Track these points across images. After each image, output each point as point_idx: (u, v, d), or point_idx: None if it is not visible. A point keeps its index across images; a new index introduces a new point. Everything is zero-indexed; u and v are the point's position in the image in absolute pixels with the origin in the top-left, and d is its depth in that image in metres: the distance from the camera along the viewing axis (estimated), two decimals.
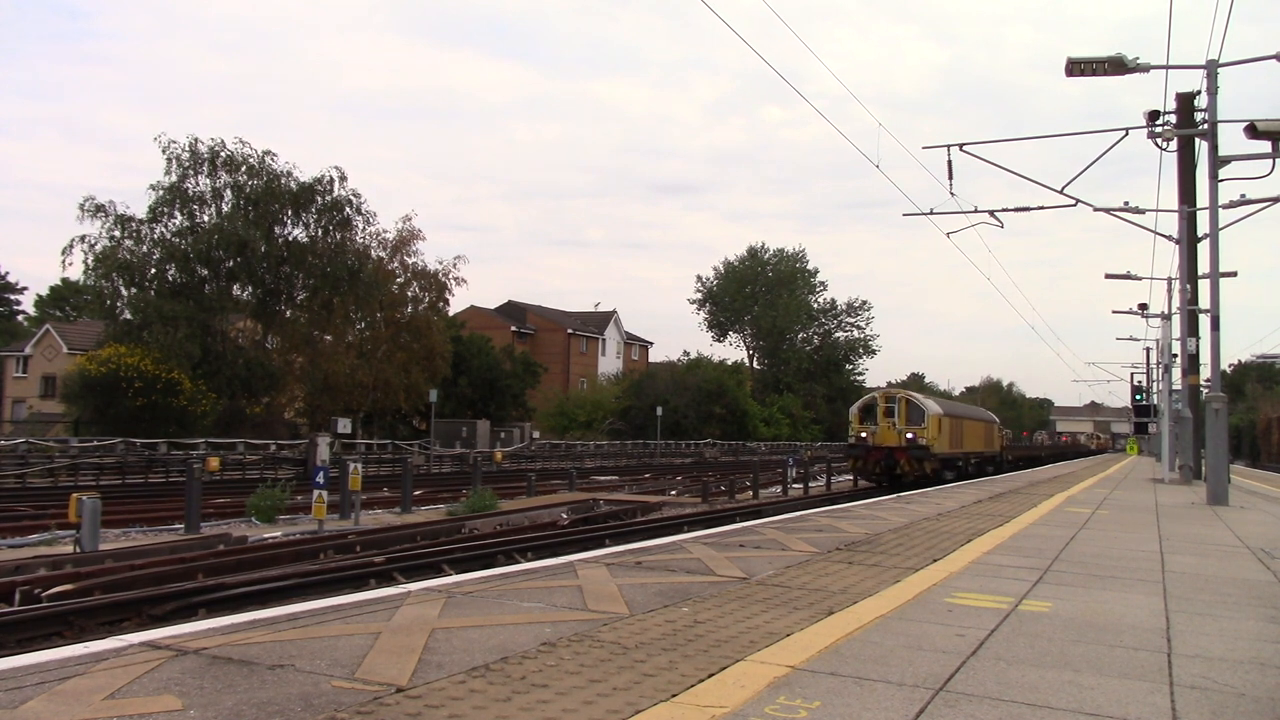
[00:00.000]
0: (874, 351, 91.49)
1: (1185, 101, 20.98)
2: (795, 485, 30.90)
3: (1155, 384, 47.84)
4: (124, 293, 37.40)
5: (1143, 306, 40.61)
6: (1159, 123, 20.24)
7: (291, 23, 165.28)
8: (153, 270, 37.82)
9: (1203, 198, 20.16)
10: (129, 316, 36.87)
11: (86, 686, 3.74)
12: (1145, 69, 17.64)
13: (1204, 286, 21.69)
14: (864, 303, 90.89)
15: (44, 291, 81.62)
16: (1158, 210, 26.09)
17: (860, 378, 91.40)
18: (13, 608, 9.85)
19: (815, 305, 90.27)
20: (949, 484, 24.85)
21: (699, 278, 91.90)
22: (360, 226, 42.75)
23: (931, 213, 23.40)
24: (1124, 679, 4.42)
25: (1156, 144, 20.37)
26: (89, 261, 36.58)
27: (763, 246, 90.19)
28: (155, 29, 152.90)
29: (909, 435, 29.91)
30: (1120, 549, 9.71)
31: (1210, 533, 12.05)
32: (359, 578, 11.92)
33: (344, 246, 41.31)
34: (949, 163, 21.23)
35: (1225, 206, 18.89)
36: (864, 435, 30.77)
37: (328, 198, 40.77)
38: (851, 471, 32.72)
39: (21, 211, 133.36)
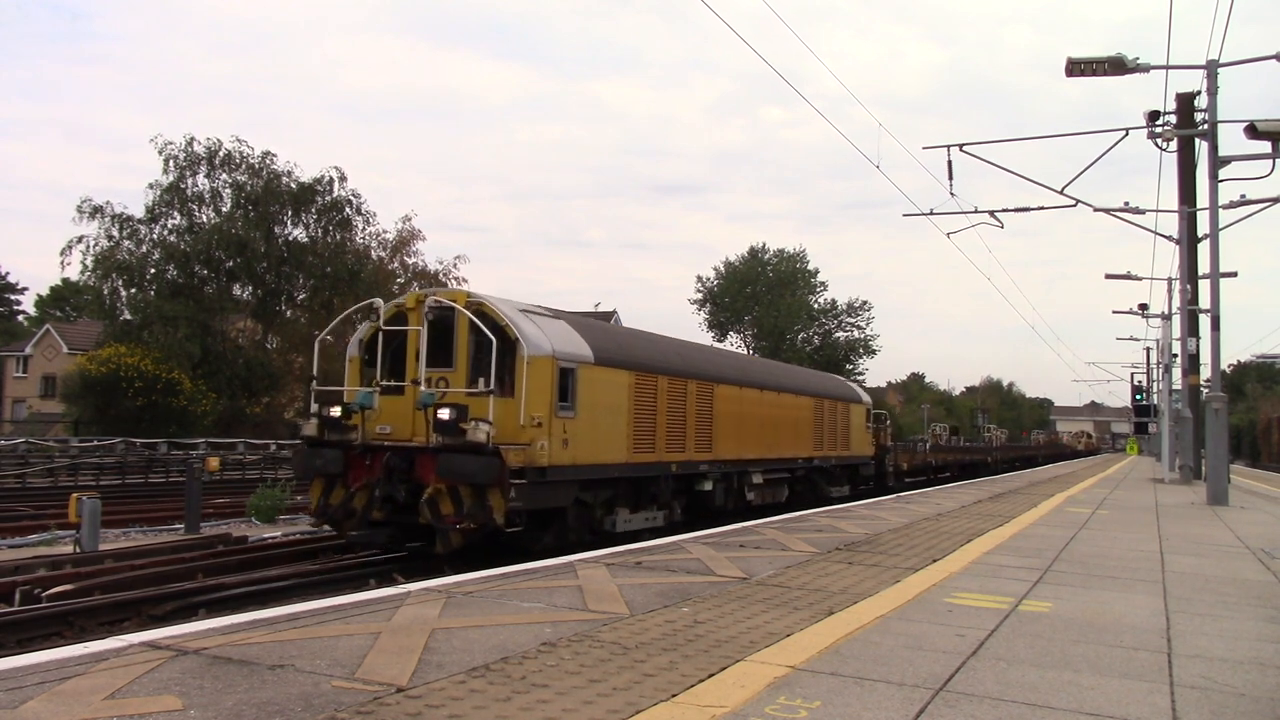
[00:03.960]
0: (874, 352, 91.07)
1: (1185, 102, 21.00)
2: None
3: (1155, 384, 47.83)
4: (123, 293, 37.44)
5: (1143, 307, 40.66)
6: (1159, 123, 20.26)
7: (292, 23, 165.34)
8: (152, 270, 37.82)
9: (1203, 198, 20.20)
10: (129, 316, 36.90)
11: (87, 686, 3.74)
12: (1145, 69, 17.66)
13: (1204, 286, 21.72)
14: (864, 303, 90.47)
15: (44, 291, 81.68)
16: (1158, 210, 26.15)
17: (861, 377, 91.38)
18: (13, 608, 9.83)
19: (816, 305, 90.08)
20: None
21: (699, 278, 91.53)
22: (360, 226, 42.80)
23: (931, 213, 23.40)
24: (1124, 679, 4.42)
25: (1156, 144, 20.40)
26: (87, 262, 36.64)
27: (763, 246, 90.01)
28: (155, 29, 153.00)
29: (444, 415, 11.46)
30: (1120, 549, 9.71)
31: (1210, 533, 12.06)
32: (359, 577, 11.92)
33: (344, 246, 41.31)
34: (949, 163, 21.24)
35: (1225, 207, 18.91)
36: (336, 414, 12.32)
37: (328, 198, 40.77)
38: (313, 512, 12.98)
39: (21, 211, 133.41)
